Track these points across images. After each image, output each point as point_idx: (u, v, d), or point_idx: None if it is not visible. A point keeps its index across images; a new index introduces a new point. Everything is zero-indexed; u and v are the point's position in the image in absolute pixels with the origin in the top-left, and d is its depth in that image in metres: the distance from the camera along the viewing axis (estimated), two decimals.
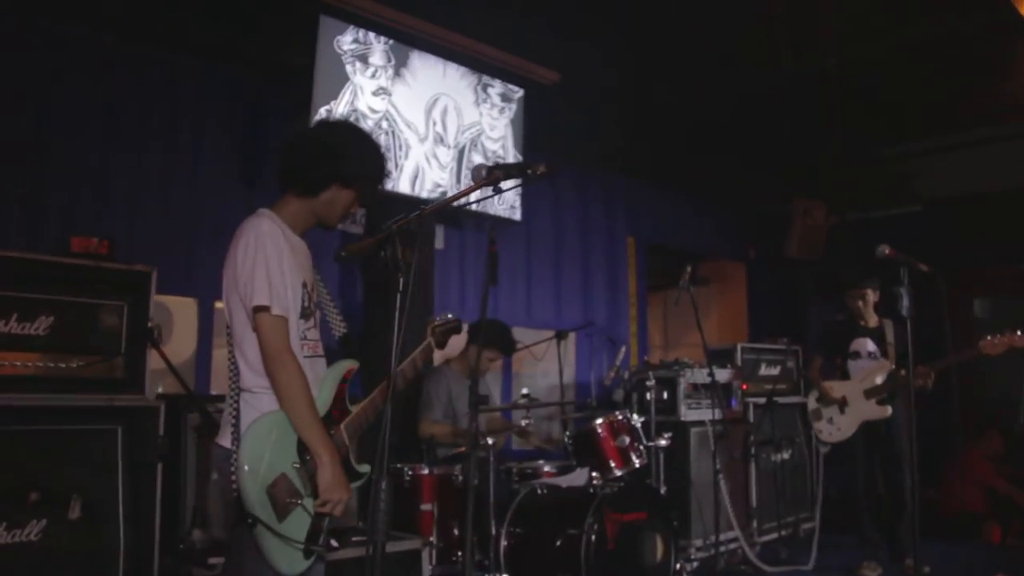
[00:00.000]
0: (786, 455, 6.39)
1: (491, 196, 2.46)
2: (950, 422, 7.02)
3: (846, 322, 5.97)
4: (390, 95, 5.66)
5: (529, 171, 2.46)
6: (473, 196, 2.53)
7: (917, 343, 4.07)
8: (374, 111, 5.58)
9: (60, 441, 3.39)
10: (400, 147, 5.72)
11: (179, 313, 5.23)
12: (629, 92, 6.55)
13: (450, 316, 3.05)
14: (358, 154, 2.64)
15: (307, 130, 2.71)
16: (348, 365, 2.69)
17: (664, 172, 7.92)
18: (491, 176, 2.47)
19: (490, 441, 4.52)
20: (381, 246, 2.01)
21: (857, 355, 5.81)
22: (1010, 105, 6.91)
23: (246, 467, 2.36)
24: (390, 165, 2.71)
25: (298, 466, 2.44)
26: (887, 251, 4.04)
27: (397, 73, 5.72)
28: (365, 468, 2.64)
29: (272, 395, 2.45)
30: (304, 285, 2.61)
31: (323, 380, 2.61)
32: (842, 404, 5.74)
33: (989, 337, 5.18)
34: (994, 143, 7.80)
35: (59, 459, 3.37)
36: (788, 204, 8.51)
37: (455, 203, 2.41)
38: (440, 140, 5.95)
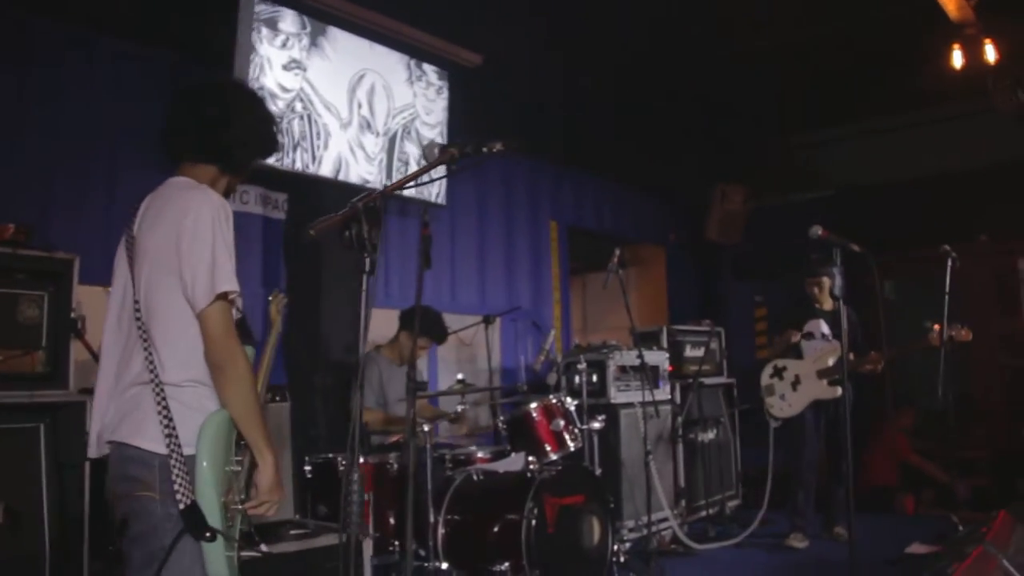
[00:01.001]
0: (711, 435, 6.48)
1: (443, 177, 2.38)
2: (879, 400, 7.24)
3: (801, 303, 6.12)
4: (304, 70, 5.13)
5: (485, 149, 2.37)
6: (424, 178, 2.45)
7: (854, 324, 4.14)
8: (285, 89, 5.05)
9: None
10: (318, 134, 5.27)
11: (92, 304, 4.98)
12: (552, 76, 6.53)
13: (277, 291, 2.97)
14: (275, 124, 2.52)
15: (229, 98, 2.43)
16: (250, 353, 2.45)
17: (586, 157, 7.93)
18: (445, 154, 2.38)
19: (426, 428, 4.45)
20: (347, 225, 1.91)
21: (811, 336, 5.94)
22: (920, 94, 7.14)
23: (209, 475, 2.13)
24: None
25: (236, 468, 2.27)
26: (820, 232, 4.09)
27: (314, 43, 5.20)
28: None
29: (203, 389, 2.22)
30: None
31: None
32: (795, 382, 5.87)
33: (936, 330, 5.36)
34: (905, 130, 8.08)
35: None
36: (708, 189, 8.64)
37: (410, 184, 2.29)
38: (367, 126, 5.60)
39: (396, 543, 4.58)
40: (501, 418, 5.00)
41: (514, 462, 4.69)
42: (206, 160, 2.38)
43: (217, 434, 2.19)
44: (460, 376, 5.04)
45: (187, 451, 2.14)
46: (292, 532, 3.78)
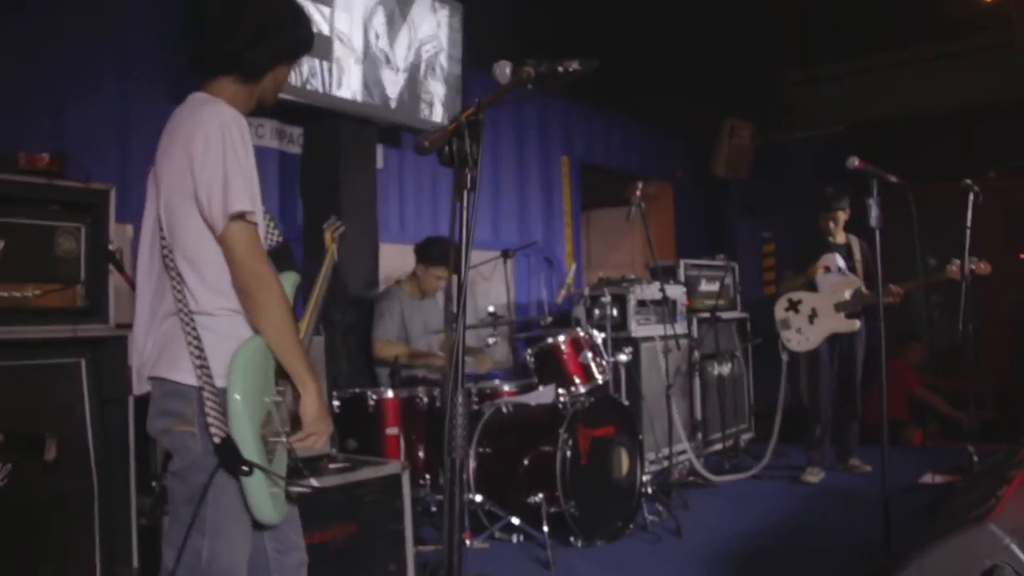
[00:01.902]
0: (727, 369, 6.51)
1: (517, 98, 2.29)
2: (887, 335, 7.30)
3: (814, 238, 6.10)
4: None
5: (560, 68, 2.25)
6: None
7: (885, 255, 4.12)
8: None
9: (18, 378, 3.08)
10: (330, 71, 5.04)
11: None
12: (562, 10, 6.39)
13: (334, 218, 2.89)
14: (296, 20, 2.31)
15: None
16: (294, 280, 2.37)
17: (595, 92, 7.83)
18: (519, 75, 2.27)
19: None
20: (449, 139, 1.85)
21: (827, 270, 5.93)
22: (935, 27, 7.06)
23: (242, 407, 2.02)
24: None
25: (278, 399, 2.17)
26: (857, 163, 4.05)
27: None
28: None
29: (237, 317, 2.12)
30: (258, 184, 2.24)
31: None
32: (811, 315, 5.87)
33: (956, 263, 5.39)
34: (913, 66, 8.01)
35: (19, 397, 3.06)
36: (716, 125, 8.57)
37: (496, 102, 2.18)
38: (385, 60, 5.46)
39: (427, 476, 4.61)
40: (528, 351, 4.98)
41: (544, 395, 4.70)
42: (221, 71, 2.22)
43: (250, 363, 2.08)
44: (491, 309, 5.00)
45: (220, 383, 2.05)
46: (331, 466, 3.77)
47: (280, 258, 2.50)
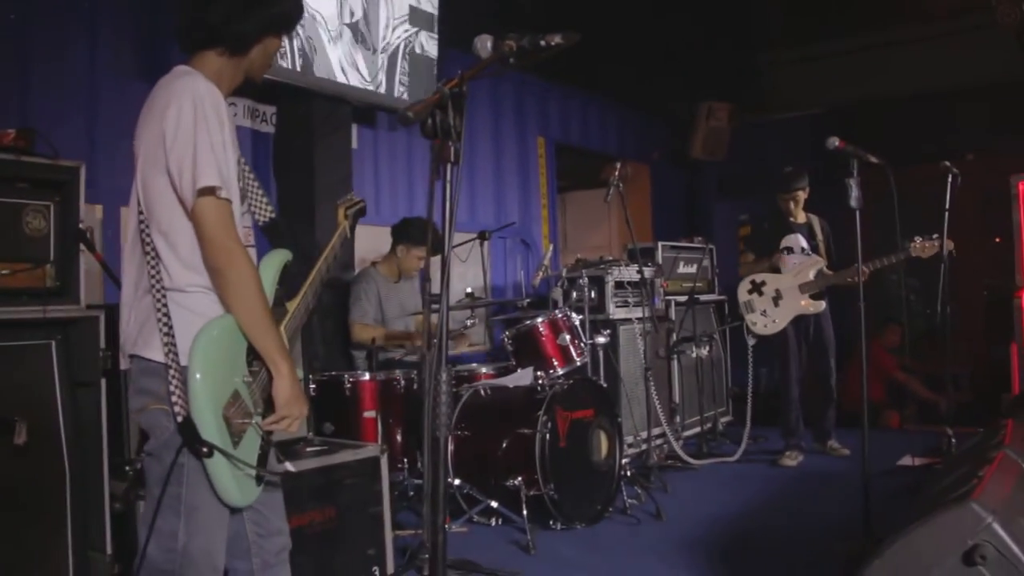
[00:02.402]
0: (704, 352, 6.50)
1: (497, 73, 2.24)
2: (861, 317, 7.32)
3: (774, 219, 6.06)
4: None
5: (543, 42, 2.20)
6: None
7: (864, 237, 4.10)
8: None
9: None
10: (300, 49, 4.89)
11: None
12: None
13: (352, 195, 2.82)
14: None
15: None
16: (283, 257, 2.32)
17: (572, 72, 7.77)
18: (500, 48, 2.22)
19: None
20: (431, 111, 1.79)
21: (790, 250, 5.92)
22: (915, 8, 7.06)
23: (201, 387, 1.97)
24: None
25: (249, 380, 2.11)
26: (837, 143, 4.01)
27: None
28: (299, 374, 2.25)
29: (209, 295, 2.08)
30: (239, 161, 2.21)
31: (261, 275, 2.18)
32: (776, 297, 5.85)
33: (919, 240, 5.38)
34: (891, 48, 8.01)
35: None
36: (693, 106, 8.54)
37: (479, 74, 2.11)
38: (361, 39, 5.33)
39: (405, 460, 4.56)
40: (506, 333, 4.94)
41: (522, 377, 4.66)
42: (204, 44, 2.17)
43: (214, 343, 2.03)
44: (469, 290, 4.96)
45: (184, 361, 2.00)
46: (308, 449, 3.72)
47: (273, 234, 2.45)
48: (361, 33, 5.36)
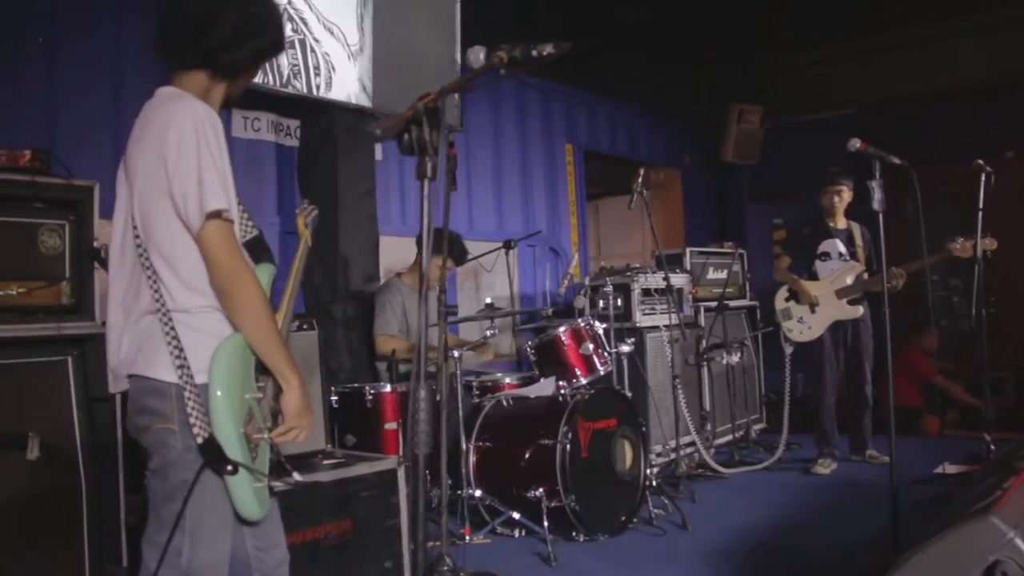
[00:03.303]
0: (735, 358, 6.40)
1: (491, 82, 2.21)
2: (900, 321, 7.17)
3: (815, 223, 5.97)
4: None
5: (535, 52, 2.19)
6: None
7: (902, 240, 4.01)
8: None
9: (3, 376, 3.07)
10: (316, 67, 4.88)
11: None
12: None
13: (306, 202, 2.83)
14: (274, 22, 2.25)
15: None
16: (271, 271, 2.34)
17: (600, 78, 7.74)
18: (492, 59, 2.21)
19: (456, 354, 4.37)
20: (406, 127, 1.77)
21: (827, 256, 5.83)
22: (946, 4, 6.91)
23: (223, 405, 2.00)
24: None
25: (259, 396, 2.14)
26: (858, 144, 3.94)
27: None
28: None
29: (216, 314, 2.10)
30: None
31: None
32: (813, 304, 5.76)
33: (959, 240, 5.27)
34: (924, 45, 7.86)
35: (4, 395, 3.05)
36: (724, 110, 8.45)
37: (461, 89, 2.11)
38: (379, 50, 5.28)
39: (427, 471, 4.53)
40: (529, 343, 4.90)
41: (544, 387, 4.62)
42: (194, 66, 2.18)
43: (231, 360, 2.06)
44: (488, 300, 4.92)
45: (200, 379, 2.02)
46: (325, 462, 3.72)
47: (256, 250, 2.45)
48: (379, 43, 5.37)
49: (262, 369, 2.15)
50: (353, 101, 5.18)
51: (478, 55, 2.27)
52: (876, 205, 3.93)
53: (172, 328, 2.04)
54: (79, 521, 3.19)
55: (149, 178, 2.07)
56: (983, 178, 5.17)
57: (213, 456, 1.99)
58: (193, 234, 2.05)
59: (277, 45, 2.29)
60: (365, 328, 5.22)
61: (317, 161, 5.33)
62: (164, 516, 2.09)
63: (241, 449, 2.03)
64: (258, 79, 4.21)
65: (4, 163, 3.26)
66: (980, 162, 5.18)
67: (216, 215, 2.02)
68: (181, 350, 2.03)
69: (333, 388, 4.60)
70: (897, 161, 3.99)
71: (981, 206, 5.19)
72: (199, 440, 1.99)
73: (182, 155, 2.01)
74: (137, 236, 2.11)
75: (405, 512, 3.65)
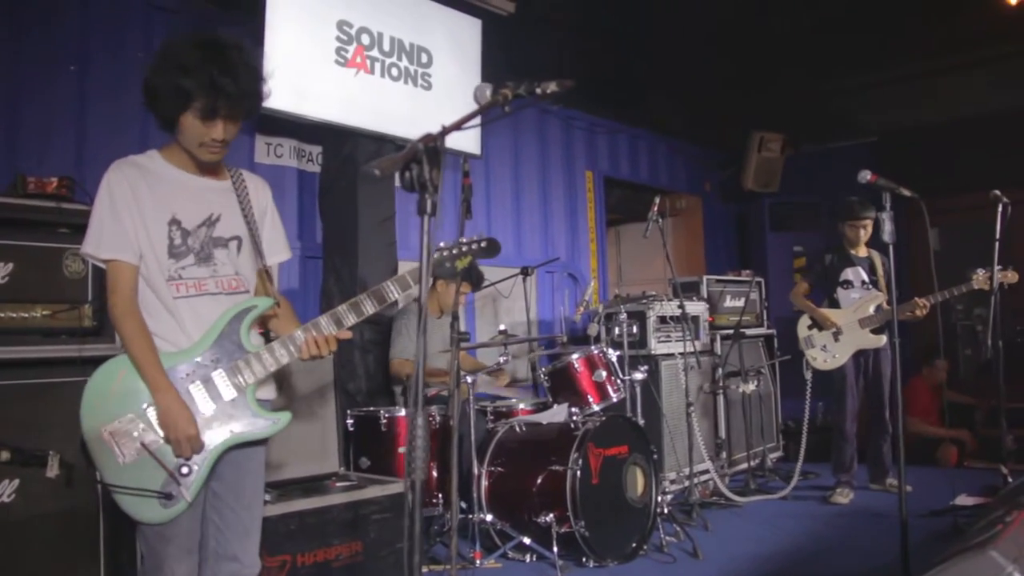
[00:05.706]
0: (752, 386, 6.40)
1: (498, 118, 2.28)
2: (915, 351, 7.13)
3: (837, 252, 5.98)
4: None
5: (539, 89, 2.26)
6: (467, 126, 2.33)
7: (900, 270, 4.03)
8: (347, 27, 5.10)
9: (27, 395, 3.20)
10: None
11: None
12: (586, 24, 6.40)
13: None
14: (166, 68, 2.34)
15: (160, 49, 2.42)
16: (249, 305, 2.53)
17: (620, 106, 7.81)
18: (498, 95, 2.28)
19: (469, 379, 4.42)
20: (407, 165, 1.84)
21: (850, 284, 5.85)
22: (964, 37, 6.92)
23: (83, 421, 2.39)
24: (229, 55, 2.37)
25: (139, 411, 2.39)
26: (869, 176, 3.96)
27: None
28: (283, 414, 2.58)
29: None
30: (174, 222, 2.45)
31: (215, 321, 2.47)
32: (836, 332, 5.77)
33: (981, 272, 5.28)
34: (946, 74, 7.85)
35: (27, 414, 3.16)
36: (745, 137, 8.48)
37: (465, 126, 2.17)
38: (403, 78, 5.50)
39: (439, 495, 4.59)
40: (542, 369, 4.95)
41: (557, 413, 4.66)
42: (168, 129, 2.48)
43: (101, 379, 2.42)
44: (502, 327, 4.98)
45: None
46: (338, 484, 3.78)
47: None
48: (405, 71, 5.48)
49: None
50: (372, 119, 5.30)
51: (484, 92, 2.34)
52: (886, 237, 3.95)
53: None
54: (97, 538, 3.30)
55: None
56: (1000, 208, 5.16)
57: (84, 460, 2.41)
58: None
59: (181, 91, 2.34)
60: (383, 352, 5.28)
61: (337, 187, 5.43)
62: None
63: (101, 453, 2.36)
64: (277, 104, 4.38)
65: (32, 190, 3.39)
66: (997, 192, 5.17)
67: (90, 256, 2.43)
68: None
69: (349, 411, 4.67)
70: (907, 193, 4.01)
71: (998, 236, 5.19)
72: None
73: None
74: None
75: (417, 535, 3.69)
